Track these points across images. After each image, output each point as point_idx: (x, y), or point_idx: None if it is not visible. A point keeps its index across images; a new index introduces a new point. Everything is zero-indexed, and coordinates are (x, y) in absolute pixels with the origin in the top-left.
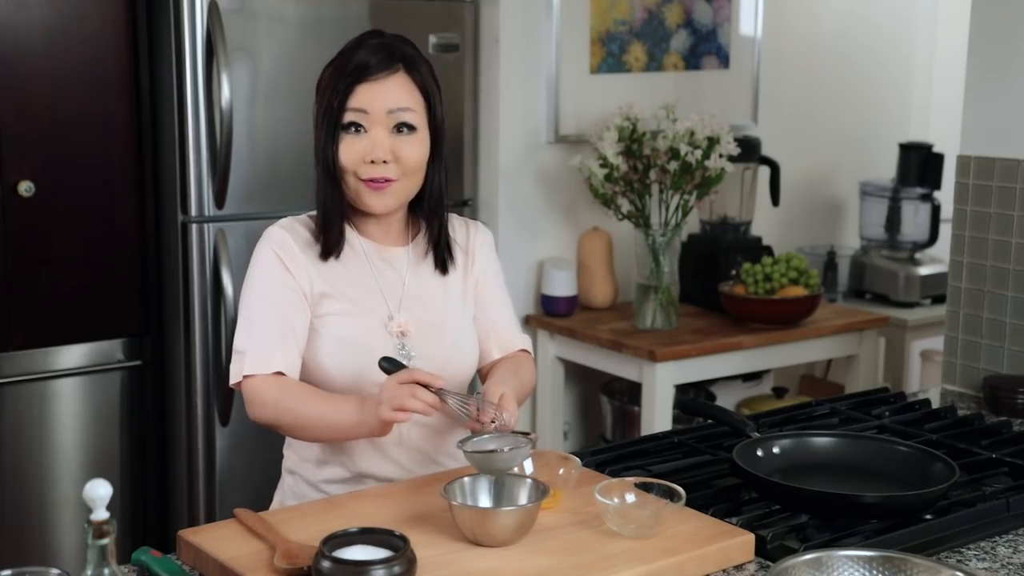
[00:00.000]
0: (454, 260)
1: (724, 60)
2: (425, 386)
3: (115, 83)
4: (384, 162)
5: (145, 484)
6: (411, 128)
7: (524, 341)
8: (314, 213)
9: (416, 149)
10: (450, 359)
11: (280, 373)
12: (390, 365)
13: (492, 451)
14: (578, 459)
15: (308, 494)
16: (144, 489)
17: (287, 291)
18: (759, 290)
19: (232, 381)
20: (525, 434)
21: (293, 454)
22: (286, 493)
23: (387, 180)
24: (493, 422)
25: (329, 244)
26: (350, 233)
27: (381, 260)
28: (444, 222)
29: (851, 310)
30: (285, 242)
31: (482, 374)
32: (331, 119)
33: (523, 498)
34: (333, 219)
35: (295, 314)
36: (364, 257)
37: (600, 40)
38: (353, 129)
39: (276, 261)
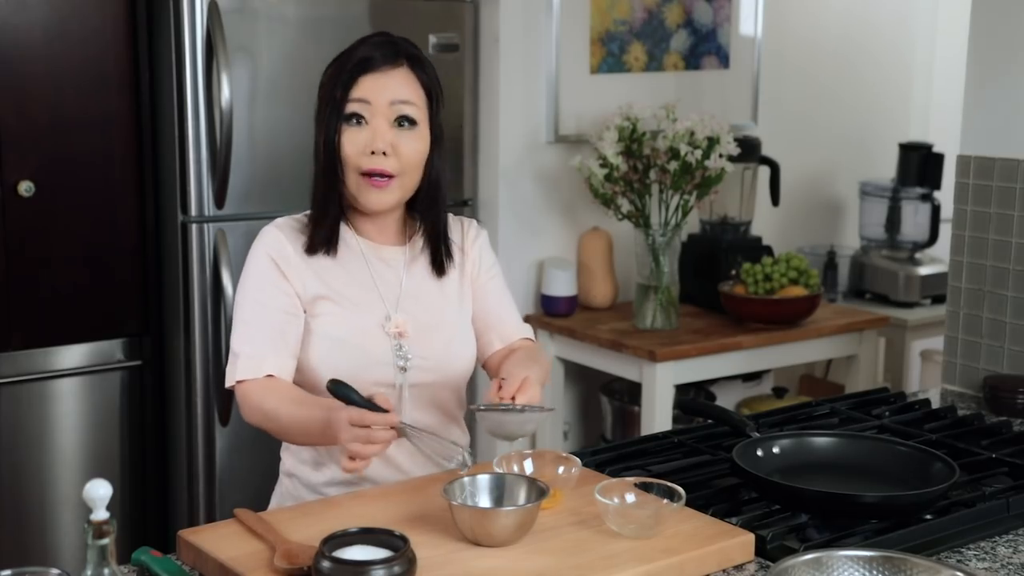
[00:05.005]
0: (451, 258)
1: (724, 60)
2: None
3: (115, 83)
4: (384, 154)
5: (145, 484)
6: (412, 122)
7: (526, 330)
8: (310, 212)
9: (416, 145)
10: (446, 358)
11: (271, 376)
12: (338, 388)
13: (507, 409)
14: (578, 459)
15: (306, 497)
16: (144, 489)
17: (281, 295)
18: (759, 290)
19: (227, 384)
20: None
21: (290, 456)
22: (284, 496)
23: (387, 176)
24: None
25: (317, 239)
26: (347, 232)
27: (378, 259)
28: (441, 220)
29: (851, 310)
30: (280, 244)
31: (490, 366)
32: (333, 109)
33: (523, 498)
34: (327, 213)
35: (288, 318)
36: (361, 256)
37: (600, 40)
38: (355, 120)
39: (270, 264)
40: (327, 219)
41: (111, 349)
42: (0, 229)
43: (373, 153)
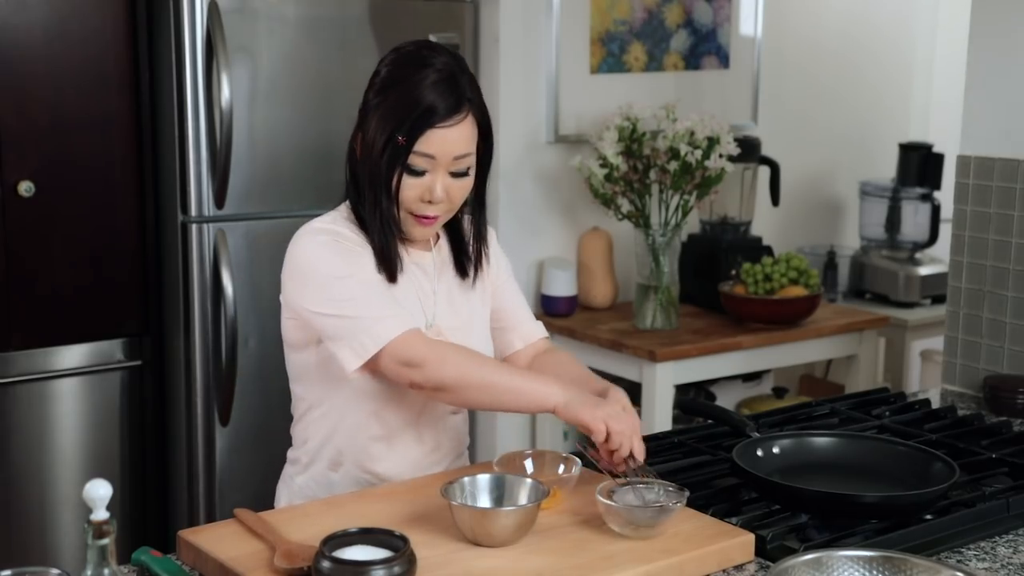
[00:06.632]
0: (471, 259)
1: (724, 60)
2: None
3: (115, 83)
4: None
5: (145, 484)
6: (467, 172)
7: (542, 329)
8: (342, 211)
9: (466, 186)
10: None
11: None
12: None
13: (659, 506)
14: (578, 459)
15: (319, 495)
16: (144, 489)
17: (369, 262)
18: (759, 290)
19: (356, 365)
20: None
21: (306, 454)
22: (295, 492)
23: (435, 217)
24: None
25: (390, 269)
26: None
27: (415, 265)
28: (460, 226)
29: (851, 310)
30: (337, 233)
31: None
32: (395, 153)
33: (523, 498)
34: (392, 246)
35: (386, 281)
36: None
37: (600, 40)
38: (416, 172)
39: (343, 247)
40: (389, 248)
41: (111, 349)
42: (0, 229)
43: (427, 201)
